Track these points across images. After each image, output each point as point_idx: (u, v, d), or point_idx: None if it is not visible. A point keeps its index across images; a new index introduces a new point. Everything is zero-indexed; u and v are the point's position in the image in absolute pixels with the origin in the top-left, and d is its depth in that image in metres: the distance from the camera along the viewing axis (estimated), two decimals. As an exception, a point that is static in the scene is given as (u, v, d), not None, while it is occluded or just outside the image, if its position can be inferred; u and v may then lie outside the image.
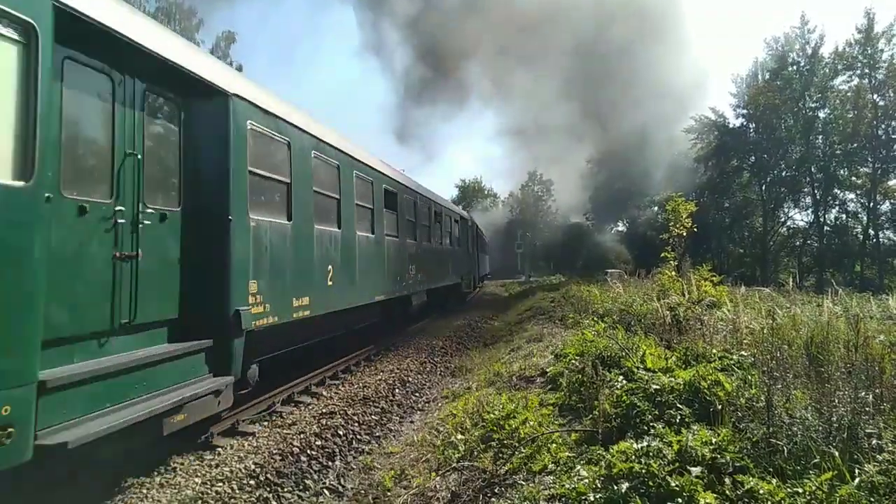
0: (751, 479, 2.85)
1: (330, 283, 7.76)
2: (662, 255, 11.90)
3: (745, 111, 40.08)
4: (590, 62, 50.79)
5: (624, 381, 4.69)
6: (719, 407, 3.86)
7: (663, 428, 3.61)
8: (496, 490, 3.86)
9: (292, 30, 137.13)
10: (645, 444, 3.27)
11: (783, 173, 38.73)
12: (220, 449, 5.37)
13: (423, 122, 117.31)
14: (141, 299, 4.45)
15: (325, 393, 7.77)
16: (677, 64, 58.46)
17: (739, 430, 3.55)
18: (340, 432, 6.01)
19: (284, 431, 5.91)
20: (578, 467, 3.50)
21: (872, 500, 2.62)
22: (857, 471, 2.83)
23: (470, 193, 71.66)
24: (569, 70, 52.52)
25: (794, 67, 37.01)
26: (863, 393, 3.47)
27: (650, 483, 2.89)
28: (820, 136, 37.44)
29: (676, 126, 43.34)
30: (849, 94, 36.10)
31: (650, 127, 44.68)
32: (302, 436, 5.72)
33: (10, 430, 3.04)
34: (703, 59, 66.60)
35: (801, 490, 2.71)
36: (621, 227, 52.75)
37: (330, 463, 5.30)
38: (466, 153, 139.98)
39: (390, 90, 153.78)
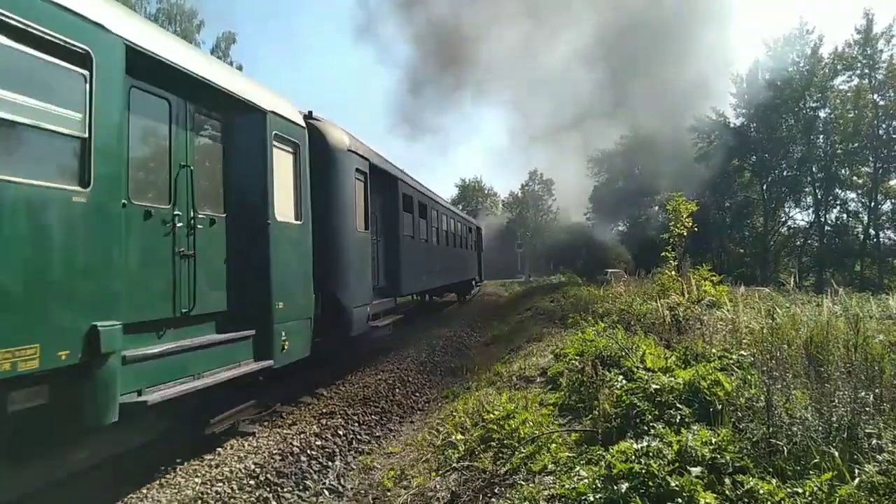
0: (751, 479, 2.85)
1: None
2: (662, 254, 11.87)
3: (745, 111, 39.99)
4: (618, 41, 48.96)
5: (624, 381, 4.67)
6: (719, 407, 3.85)
7: (663, 428, 3.60)
8: (496, 490, 3.86)
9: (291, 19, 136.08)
10: (645, 444, 3.27)
11: (784, 173, 38.66)
12: (219, 449, 5.37)
13: (429, 115, 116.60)
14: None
15: (325, 393, 7.77)
16: (708, 61, 56.59)
17: (739, 430, 3.54)
18: (340, 432, 6.01)
19: (284, 431, 5.91)
20: (578, 467, 3.50)
21: (872, 500, 2.62)
22: (856, 471, 2.83)
23: (470, 193, 71.61)
24: (590, 49, 50.62)
25: (794, 68, 36.95)
26: (863, 393, 3.47)
27: (650, 483, 2.88)
28: (821, 136, 37.39)
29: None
30: (849, 94, 36.07)
31: (668, 123, 43.36)
32: (302, 436, 5.72)
33: None
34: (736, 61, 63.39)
35: (800, 490, 2.71)
36: (622, 227, 52.56)
37: (330, 463, 5.30)
38: (470, 149, 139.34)
39: (393, 87, 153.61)
